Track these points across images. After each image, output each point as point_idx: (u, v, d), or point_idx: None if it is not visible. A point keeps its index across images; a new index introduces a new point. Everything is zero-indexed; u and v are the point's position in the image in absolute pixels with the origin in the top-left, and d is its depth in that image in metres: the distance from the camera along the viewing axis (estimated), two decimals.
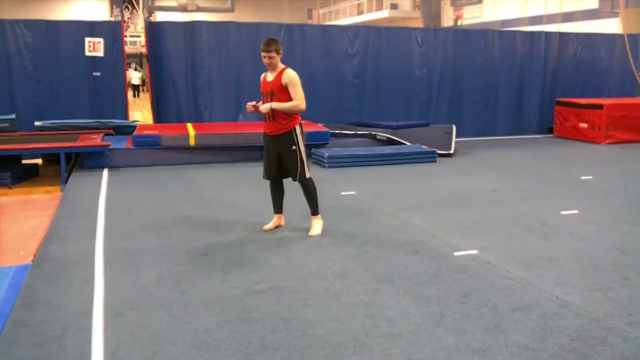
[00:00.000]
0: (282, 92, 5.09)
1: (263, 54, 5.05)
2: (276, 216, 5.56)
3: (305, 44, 11.48)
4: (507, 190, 7.31)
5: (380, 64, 11.96)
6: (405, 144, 10.06)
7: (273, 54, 5.04)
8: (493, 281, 4.16)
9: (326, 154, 8.88)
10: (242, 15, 24.19)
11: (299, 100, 5.08)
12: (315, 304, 3.79)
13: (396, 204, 6.54)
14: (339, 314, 3.63)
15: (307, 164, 5.30)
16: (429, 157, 9.41)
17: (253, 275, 4.30)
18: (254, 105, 5.18)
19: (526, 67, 13.07)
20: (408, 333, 3.37)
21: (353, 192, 7.09)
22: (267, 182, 5.53)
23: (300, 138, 5.22)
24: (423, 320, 3.53)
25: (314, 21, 38.06)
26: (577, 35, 13.93)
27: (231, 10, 16.79)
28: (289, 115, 5.15)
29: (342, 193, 7.06)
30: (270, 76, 5.17)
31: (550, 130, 13.10)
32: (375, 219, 5.90)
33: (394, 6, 30.85)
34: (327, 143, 9.72)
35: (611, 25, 16.72)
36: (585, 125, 11.94)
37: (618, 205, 6.48)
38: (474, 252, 4.82)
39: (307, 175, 5.30)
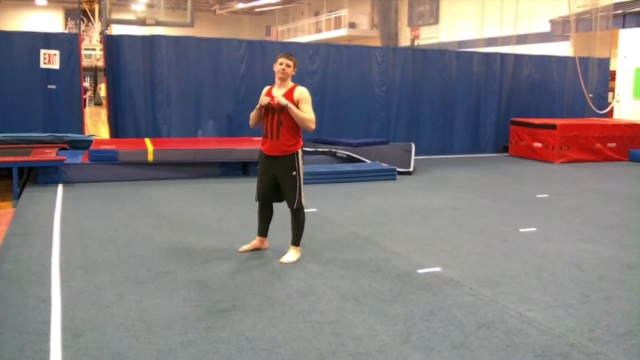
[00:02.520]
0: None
1: (281, 60, 4.86)
2: (259, 238, 5.30)
3: (266, 61, 11.44)
4: (466, 207, 7.41)
5: (340, 82, 12.03)
6: (365, 161, 10.12)
7: (291, 64, 4.90)
8: (457, 298, 4.19)
9: None
10: (202, 31, 24.02)
11: (312, 117, 4.91)
12: (280, 322, 3.74)
13: (358, 221, 6.55)
14: (305, 332, 3.59)
15: (303, 191, 5.05)
16: (389, 175, 9.48)
17: (216, 293, 4.23)
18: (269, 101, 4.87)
19: (482, 87, 13.34)
20: (375, 351, 3.35)
21: (314, 210, 7.07)
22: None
23: (301, 163, 5.00)
24: (390, 339, 3.52)
25: (272, 38, 38.13)
26: (531, 57, 14.33)
27: (191, 25, 16.68)
28: (294, 137, 4.94)
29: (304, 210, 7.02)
30: (278, 91, 4.93)
31: (505, 149, 13.38)
32: (338, 237, 5.89)
33: (352, 25, 31.17)
34: None
35: (563, 48, 17.26)
36: (539, 144, 12.25)
37: (574, 223, 6.64)
38: (437, 269, 4.85)
39: (303, 202, 5.06)
